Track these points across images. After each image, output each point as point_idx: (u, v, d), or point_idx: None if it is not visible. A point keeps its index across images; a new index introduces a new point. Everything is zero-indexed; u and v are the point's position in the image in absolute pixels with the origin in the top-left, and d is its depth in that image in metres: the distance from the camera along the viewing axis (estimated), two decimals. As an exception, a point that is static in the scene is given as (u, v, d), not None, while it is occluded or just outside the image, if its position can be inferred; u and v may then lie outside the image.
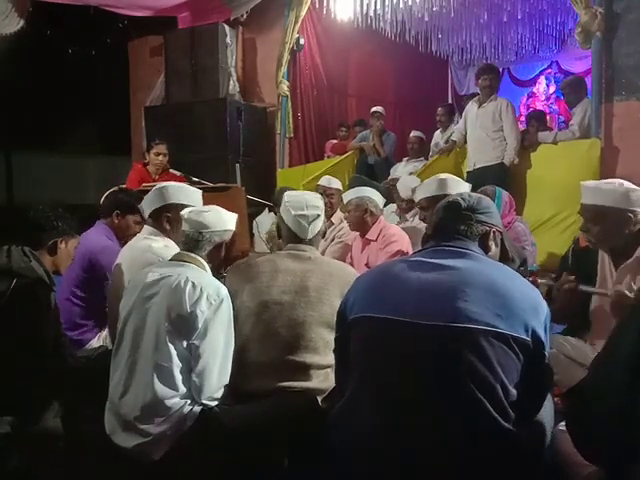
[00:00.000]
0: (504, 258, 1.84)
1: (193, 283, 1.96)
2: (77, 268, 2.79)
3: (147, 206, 2.65)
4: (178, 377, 1.92)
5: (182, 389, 1.93)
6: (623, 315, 1.53)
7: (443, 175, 3.17)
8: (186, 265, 2.06)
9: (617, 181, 2.19)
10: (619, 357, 1.31)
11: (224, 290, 2.01)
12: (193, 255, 2.10)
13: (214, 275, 2.15)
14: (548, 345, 1.55)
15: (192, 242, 2.11)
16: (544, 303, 1.57)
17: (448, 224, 1.67)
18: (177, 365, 1.92)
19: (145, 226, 2.72)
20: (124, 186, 3.69)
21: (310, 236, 2.20)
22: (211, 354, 1.95)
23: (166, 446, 1.89)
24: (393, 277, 1.64)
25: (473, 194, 1.76)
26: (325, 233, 2.35)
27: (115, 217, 3.05)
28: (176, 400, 1.91)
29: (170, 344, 1.92)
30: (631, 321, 1.36)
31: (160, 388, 1.90)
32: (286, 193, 2.34)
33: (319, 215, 2.22)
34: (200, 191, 2.71)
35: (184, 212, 2.17)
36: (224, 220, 2.20)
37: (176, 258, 2.13)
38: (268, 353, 2.03)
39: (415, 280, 1.57)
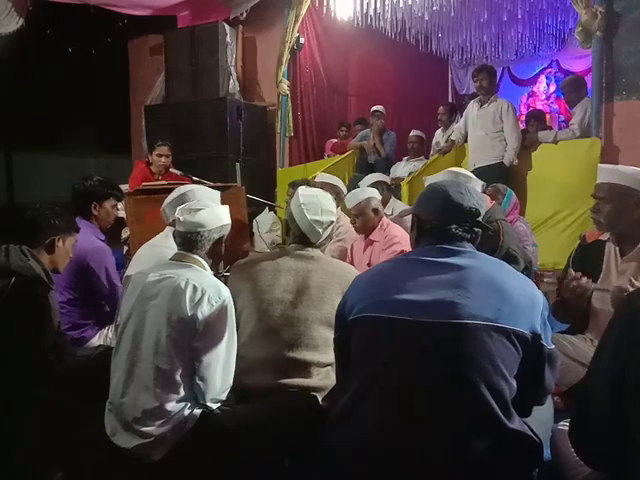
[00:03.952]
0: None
1: (194, 285, 1.93)
2: (68, 271, 2.72)
3: (170, 212, 2.63)
4: (178, 380, 1.90)
5: (182, 392, 1.91)
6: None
7: (455, 168, 3.15)
8: (186, 266, 2.04)
9: (633, 167, 2.28)
10: (601, 370, 1.33)
11: (225, 291, 1.99)
12: (193, 255, 2.07)
13: (215, 274, 2.14)
14: (549, 336, 1.55)
15: (190, 243, 2.08)
16: (540, 296, 1.57)
17: (449, 227, 1.62)
18: (177, 368, 1.90)
19: (167, 226, 2.73)
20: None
21: (321, 240, 2.20)
22: (214, 356, 1.93)
23: (167, 447, 1.88)
24: (392, 276, 1.63)
25: (473, 191, 1.70)
26: (332, 236, 2.33)
27: (94, 209, 3.02)
28: (176, 403, 1.89)
29: (171, 348, 1.90)
30: (609, 334, 1.35)
31: (160, 392, 1.88)
32: (300, 192, 2.25)
33: (332, 222, 2.22)
34: (218, 192, 2.69)
35: (177, 213, 2.12)
36: (219, 216, 2.16)
37: (176, 258, 2.10)
38: (269, 350, 2.04)
39: (414, 278, 1.57)
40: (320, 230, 2.17)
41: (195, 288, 1.92)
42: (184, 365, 1.91)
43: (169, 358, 1.90)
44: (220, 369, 1.94)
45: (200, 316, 1.90)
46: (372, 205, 3.54)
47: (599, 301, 2.30)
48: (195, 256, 2.07)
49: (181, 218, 2.09)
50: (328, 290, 2.08)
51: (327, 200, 2.24)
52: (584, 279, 2.23)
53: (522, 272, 2.72)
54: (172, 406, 1.89)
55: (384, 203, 4.49)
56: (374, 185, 4.51)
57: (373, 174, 4.93)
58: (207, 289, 1.93)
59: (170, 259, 2.12)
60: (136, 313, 1.99)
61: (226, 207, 2.24)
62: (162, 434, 1.87)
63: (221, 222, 2.15)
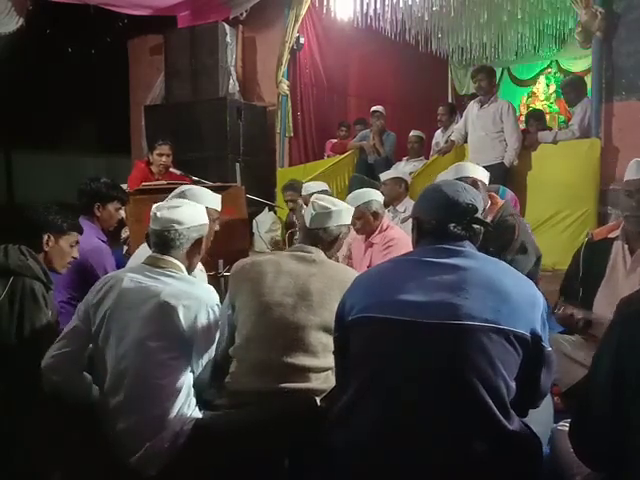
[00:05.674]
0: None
1: (184, 305, 1.84)
2: (70, 271, 2.74)
3: None
4: (171, 394, 1.85)
5: (176, 403, 1.85)
6: None
7: (460, 162, 3.22)
8: (164, 273, 1.92)
9: None
10: (602, 370, 1.34)
11: (214, 294, 1.96)
12: (168, 258, 1.95)
13: (215, 275, 2.12)
14: (547, 337, 1.55)
15: (166, 242, 1.94)
16: (541, 297, 1.57)
17: (448, 225, 1.62)
18: (169, 381, 1.85)
19: None
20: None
21: (327, 235, 2.20)
22: (208, 353, 1.98)
23: (164, 460, 1.83)
24: (392, 276, 1.63)
25: (469, 188, 1.70)
26: (341, 244, 2.37)
27: (97, 210, 3.03)
28: (170, 416, 1.84)
29: (162, 363, 1.84)
30: (610, 335, 1.36)
31: (152, 407, 1.84)
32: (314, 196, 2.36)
33: (341, 211, 2.25)
34: (219, 196, 2.63)
35: (153, 208, 1.99)
36: (199, 213, 2.05)
37: (150, 262, 1.96)
38: (268, 354, 2.01)
39: (414, 279, 1.57)
40: (327, 217, 2.18)
41: (186, 306, 1.85)
42: (174, 376, 1.86)
43: (160, 373, 1.84)
44: (208, 356, 1.98)
45: (199, 329, 1.87)
46: (372, 208, 3.48)
47: (605, 298, 2.31)
48: (171, 259, 1.96)
49: (158, 214, 1.94)
50: (329, 295, 2.04)
51: (338, 200, 2.35)
52: (573, 310, 2.31)
53: (533, 265, 2.80)
54: (166, 420, 1.83)
55: (399, 200, 4.52)
56: (395, 180, 4.53)
57: (396, 170, 4.95)
58: (200, 301, 1.88)
59: (144, 262, 1.98)
60: (116, 322, 1.89)
61: (203, 206, 2.14)
62: (157, 449, 1.82)
63: (201, 220, 2.04)
